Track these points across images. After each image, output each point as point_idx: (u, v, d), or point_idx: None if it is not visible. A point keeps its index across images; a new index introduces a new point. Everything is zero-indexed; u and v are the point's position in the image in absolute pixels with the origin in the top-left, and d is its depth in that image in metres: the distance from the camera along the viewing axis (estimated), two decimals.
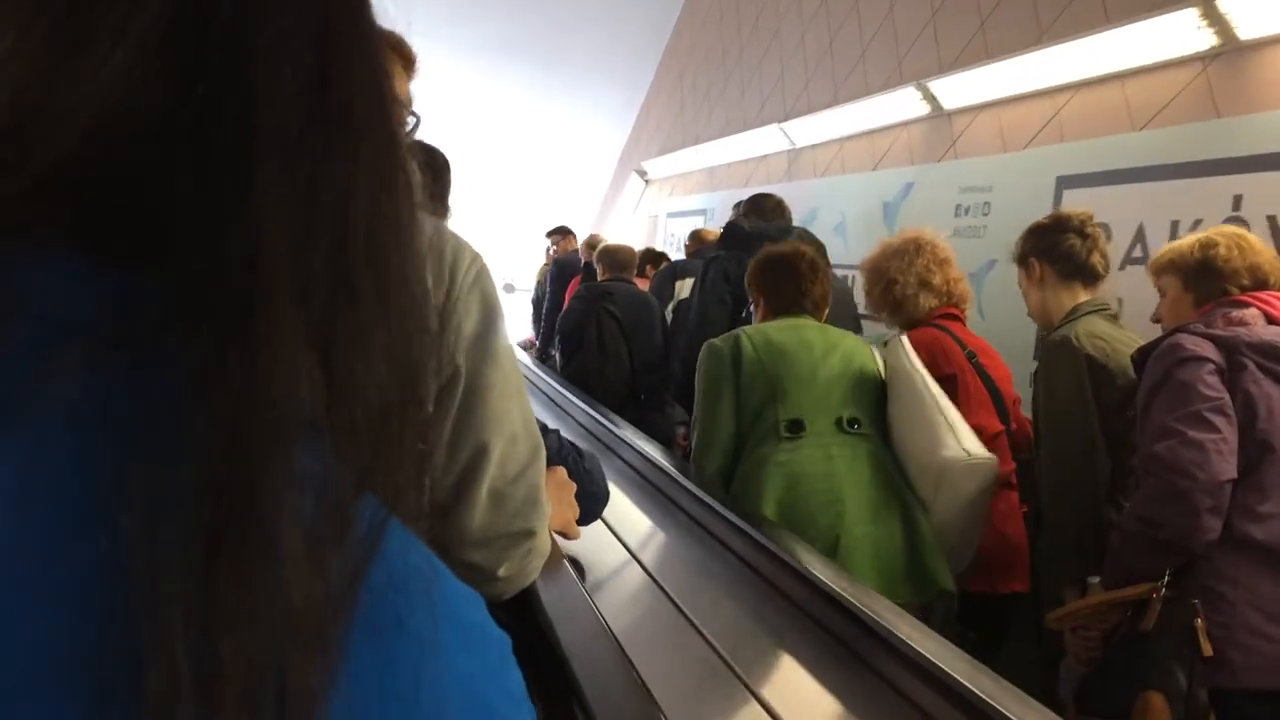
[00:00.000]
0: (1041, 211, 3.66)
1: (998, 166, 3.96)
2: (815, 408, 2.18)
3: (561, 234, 6.85)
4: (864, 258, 2.76)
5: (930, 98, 4.37)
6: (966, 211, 4.13)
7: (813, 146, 5.65)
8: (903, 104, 4.61)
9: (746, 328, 2.36)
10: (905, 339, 2.35)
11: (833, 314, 2.49)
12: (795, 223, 5.70)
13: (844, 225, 5.17)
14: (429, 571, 0.29)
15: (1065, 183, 3.57)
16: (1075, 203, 3.49)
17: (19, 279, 0.26)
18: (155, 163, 0.27)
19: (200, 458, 0.24)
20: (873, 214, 4.85)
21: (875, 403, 2.25)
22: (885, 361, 2.32)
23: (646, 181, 8.80)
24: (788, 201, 5.75)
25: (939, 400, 2.17)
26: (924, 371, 2.23)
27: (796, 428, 2.16)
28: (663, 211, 8.16)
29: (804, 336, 2.27)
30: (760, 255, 2.56)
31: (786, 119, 5.86)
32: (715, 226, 6.44)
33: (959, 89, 4.20)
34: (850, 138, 5.23)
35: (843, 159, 5.32)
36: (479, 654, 0.29)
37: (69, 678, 0.22)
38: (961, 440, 2.11)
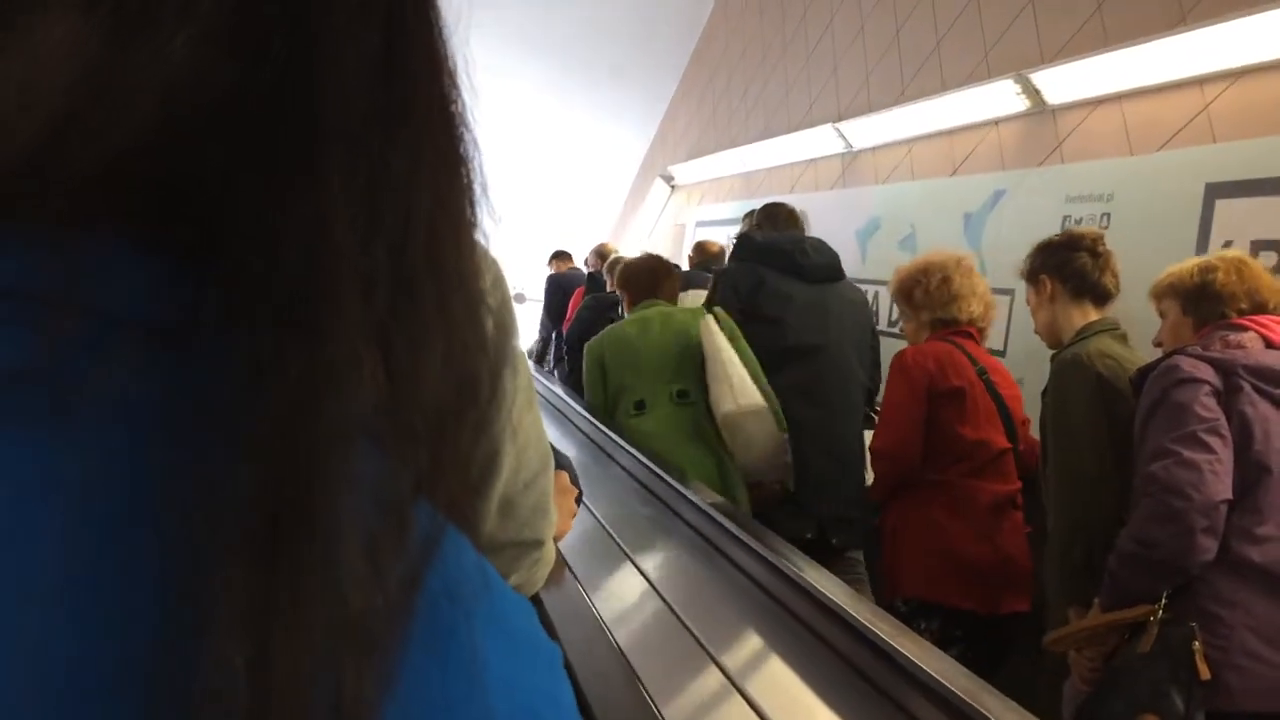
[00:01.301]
0: (1185, 225, 3.05)
1: (1122, 171, 3.33)
2: (653, 388, 2.86)
3: (559, 258, 6.92)
4: (905, 265, 2.79)
5: (1031, 91, 3.75)
6: (1077, 224, 3.50)
7: (873, 149, 5.03)
8: (993, 99, 3.99)
9: (611, 328, 3.04)
10: (711, 318, 2.77)
11: (848, 329, 2.90)
12: (853, 234, 5.14)
13: (913, 238, 4.54)
14: (481, 579, 0.28)
15: (1218, 191, 2.94)
16: (1233, 215, 2.86)
17: (74, 269, 0.24)
18: (215, 151, 0.26)
19: (256, 458, 0.23)
20: (951, 226, 4.22)
21: (699, 370, 2.80)
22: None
23: (672, 188, 8.19)
24: (843, 210, 5.19)
25: (728, 366, 2.68)
26: (720, 342, 2.71)
27: (640, 406, 2.87)
28: (691, 220, 7.55)
29: (648, 322, 2.93)
30: (626, 264, 3.33)
31: (841, 119, 5.25)
32: None
33: (1069, 81, 3.58)
34: (922, 139, 4.62)
35: (912, 163, 4.70)
36: (529, 664, 0.28)
37: (116, 683, 0.21)
38: (737, 397, 2.65)
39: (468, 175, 0.31)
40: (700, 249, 4.92)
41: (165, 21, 0.24)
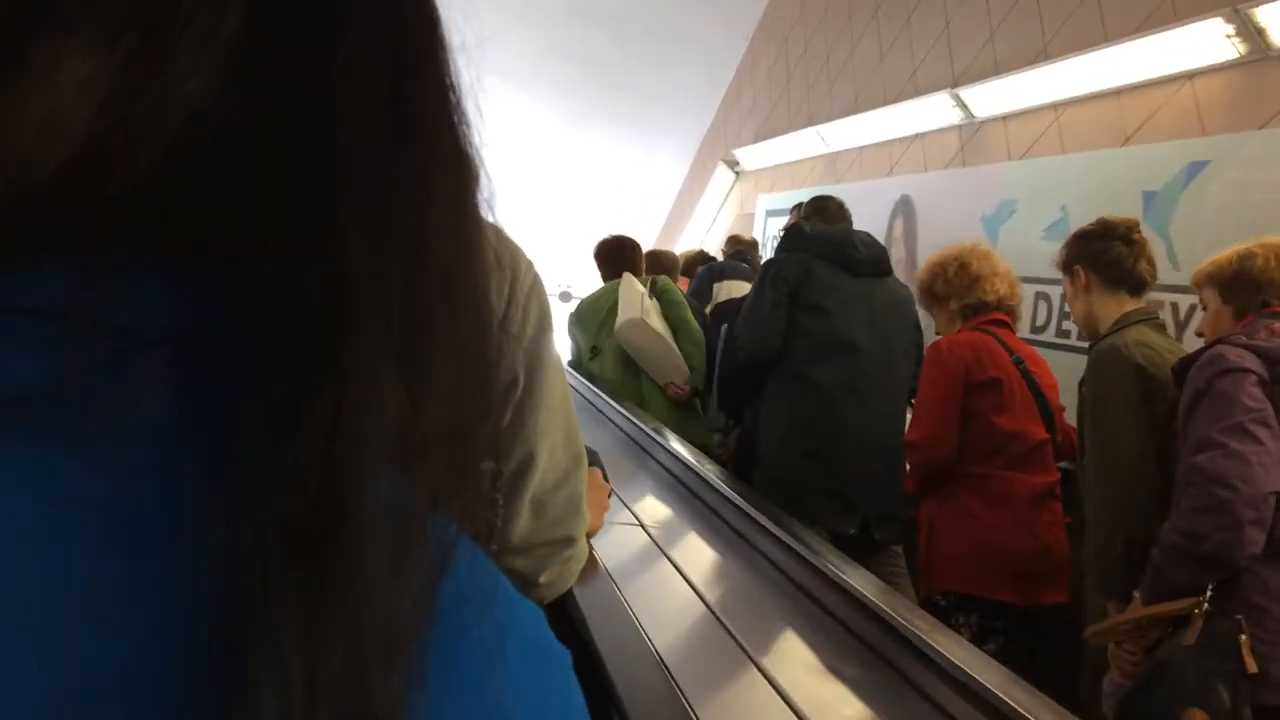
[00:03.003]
0: None
1: None
2: (602, 335, 3.71)
3: None
4: (919, 270, 2.79)
5: (1250, 33, 2.92)
6: None
7: (1004, 118, 4.20)
8: (1186, 48, 3.16)
9: (583, 299, 3.95)
10: (630, 276, 3.64)
11: (894, 325, 2.87)
12: (978, 220, 4.33)
13: (1065, 224, 3.70)
14: (492, 588, 0.29)
15: None
16: None
17: (103, 294, 0.25)
18: (235, 179, 0.27)
19: (288, 483, 0.24)
20: (1123, 207, 3.37)
21: None
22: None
23: (737, 174, 7.38)
24: (962, 192, 4.38)
25: (628, 300, 3.54)
26: (631, 289, 3.57)
27: (596, 351, 3.76)
28: (760, 209, 6.75)
29: (602, 294, 3.79)
30: (600, 244, 3.96)
31: (958, 85, 4.42)
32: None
33: None
34: (1074, 102, 3.78)
35: (1060, 132, 3.87)
36: (541, 669, 0.29)
37: (152, 703, 0.22)
38: (621, 318, 3.55)
39: (476, 197, 0.32)
40: (733, 240, 4.96)
41: (182, 57, 0.25)
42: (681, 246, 8.08)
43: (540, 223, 7.45)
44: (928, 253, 4.18)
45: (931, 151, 4.76)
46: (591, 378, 3.74)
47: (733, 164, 7.35)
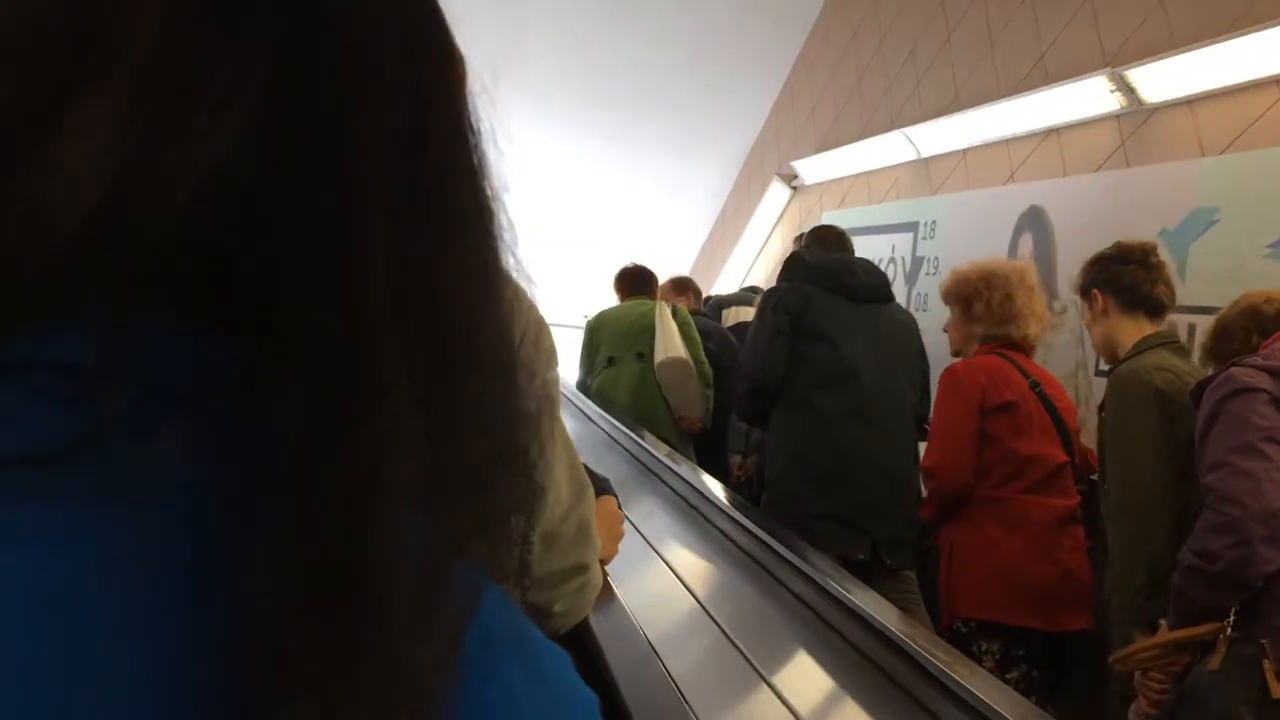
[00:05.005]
0: None
1: None
2: (622, 348, 3.98)
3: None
4: (964, 268, 2.78)
5: None
6: None
7: (1189, 102, 3.28)
8: None
9: (604, 310, 4.21)
10: (665, 306, 3.93)
11: (897, 350, 2.95)
12: (1153, 233, 3.37)
13: None
14: (519, 632, 0.29)
15: None
16: None
17: (129, 349, 0.26)
18: (256, 236, 0.27)
19: (311, 531, 0.24)
20: None
21: (653, 339, 3.90)
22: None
23: (794, 189, 6.48)
24: (1126, 200, 3.45)
25: (664, 334, 3.84)
26: (665, 318, 3.87)
27: (612, 361, 3.99)
28: None
29: (627, 309, 4.10)
30: (621, 270, 4.29)
31: (1113, 64, 3.52)
32: (941, 241, 4.60)
33: None
34: None
35: None
36: (566, 711, 0.29)
37: None
38: (666, 351, 3.81)
39: (496, 246, 0.31)
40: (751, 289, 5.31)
41: (201, 122, 0.25)
42: (727, 272, 7.18)
43: (564, 248, 6.57)
44: (1069, 277, 3.20)
45: (1073, 150, 3.84)
46: (600, 395, 3.95)
47: (789, 178, 6.44)
